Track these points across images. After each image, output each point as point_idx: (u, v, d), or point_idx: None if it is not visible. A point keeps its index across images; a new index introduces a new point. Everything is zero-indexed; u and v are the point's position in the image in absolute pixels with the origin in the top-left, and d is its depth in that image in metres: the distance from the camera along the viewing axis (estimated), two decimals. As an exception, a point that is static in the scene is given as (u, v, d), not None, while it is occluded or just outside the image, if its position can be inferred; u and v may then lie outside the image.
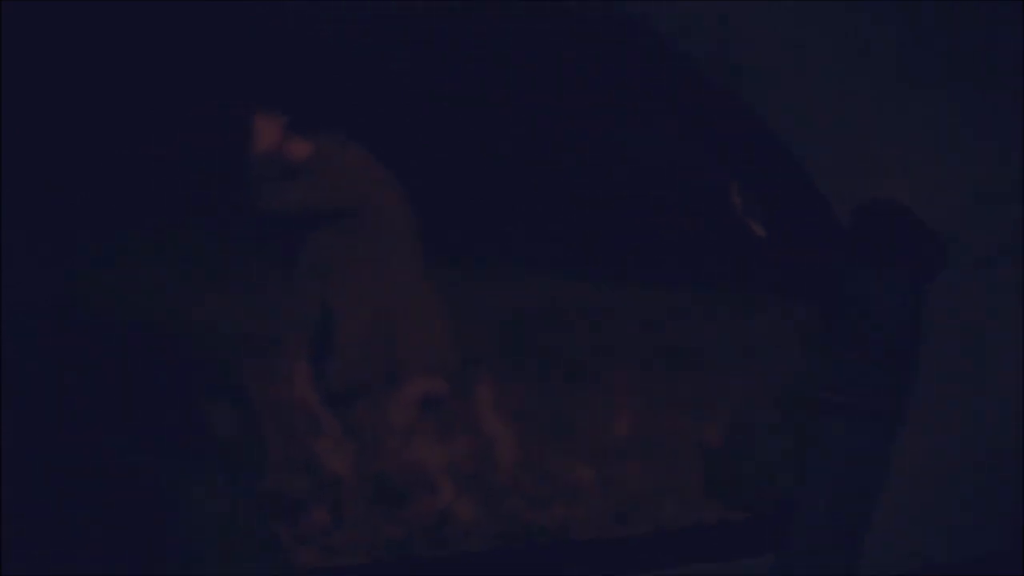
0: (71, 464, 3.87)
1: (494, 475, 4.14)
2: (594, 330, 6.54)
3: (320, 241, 3.77)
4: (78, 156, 9.43)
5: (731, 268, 7.52)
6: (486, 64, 9.43)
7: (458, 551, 4.25)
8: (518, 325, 6.53)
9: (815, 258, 6.20)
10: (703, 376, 5.75)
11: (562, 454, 4.81)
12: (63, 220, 8.33)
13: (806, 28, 2.94)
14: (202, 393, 3.65)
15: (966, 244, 2.67)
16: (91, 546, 3.41)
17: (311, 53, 9.84)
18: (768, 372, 5.79)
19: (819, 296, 5.83)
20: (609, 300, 7.12)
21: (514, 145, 9.16)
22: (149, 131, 9.26)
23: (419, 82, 9.34)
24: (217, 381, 3.60)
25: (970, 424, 2.95)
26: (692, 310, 6.88)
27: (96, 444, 3.95)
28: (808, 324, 6.02)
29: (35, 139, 10.11)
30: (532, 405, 5.37)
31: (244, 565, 3.50)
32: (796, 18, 2.83)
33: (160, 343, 3.86)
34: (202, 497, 3.50)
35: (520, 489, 4.58)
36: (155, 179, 8.97)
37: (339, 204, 3.72)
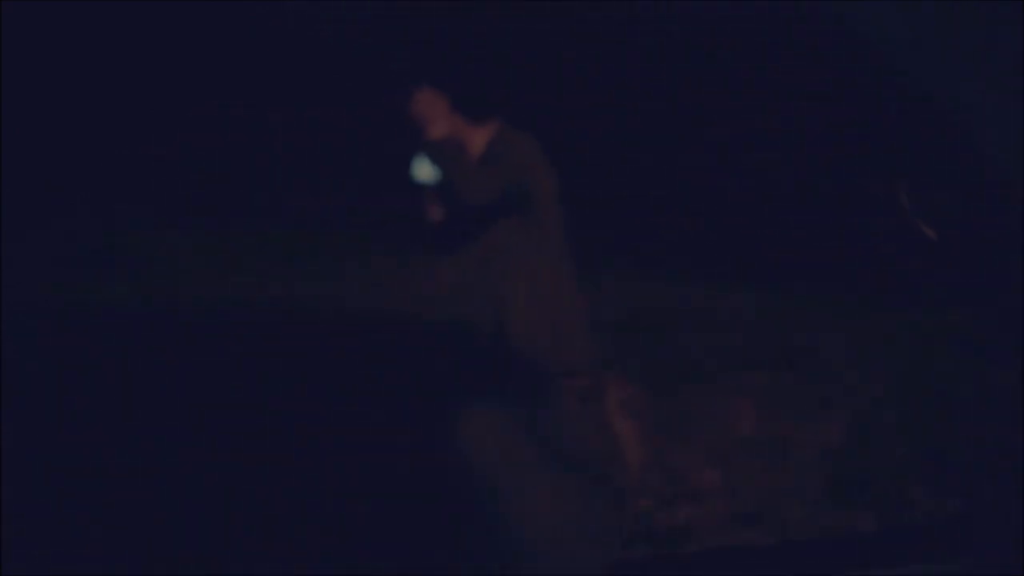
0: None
1: (622, 475, 4.09)
2: (713, 332, 6.48)
3: (496, 232, 3.72)
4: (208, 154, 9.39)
5: (854, 269, 7.51)
6: (655, 59, 9.42)
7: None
8: (638, 327, 6.48)
9: (1003, 259, 6.18)
10: (824, 377, 5.68)
11: (687, 455, 4.76)
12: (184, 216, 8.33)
13: (989, 26, 2.89)
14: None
15: None
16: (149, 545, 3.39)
17: (477, 38, 9.73)
18: (890, 373, 5.73)
19: (1007, 298, 5.82)
20: (727, 302, 7.06)
21: (650, 146, 9.14)
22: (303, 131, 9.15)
23: (580, 75, 9.32)
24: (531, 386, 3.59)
25: None
26: (810, 311, 6.81)
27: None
28: (968, 326, 6.01)
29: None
30: (655, 406, 5.30)
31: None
32: (983, 18, 2.77)
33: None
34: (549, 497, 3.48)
35: (648, 490, 4.51)
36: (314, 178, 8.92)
37: (520, 193, 3.67)
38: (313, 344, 5.35)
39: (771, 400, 5.17)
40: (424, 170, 3.71)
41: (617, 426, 3.99)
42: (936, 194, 7.83)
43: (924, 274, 7.28)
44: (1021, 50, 6.96)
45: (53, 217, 8.43)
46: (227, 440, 4.30)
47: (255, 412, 4.51)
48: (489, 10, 9.85)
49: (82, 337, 5.55)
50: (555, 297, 3.70)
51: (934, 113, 8.46)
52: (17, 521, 3.52)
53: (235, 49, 10.04)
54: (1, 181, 8.59)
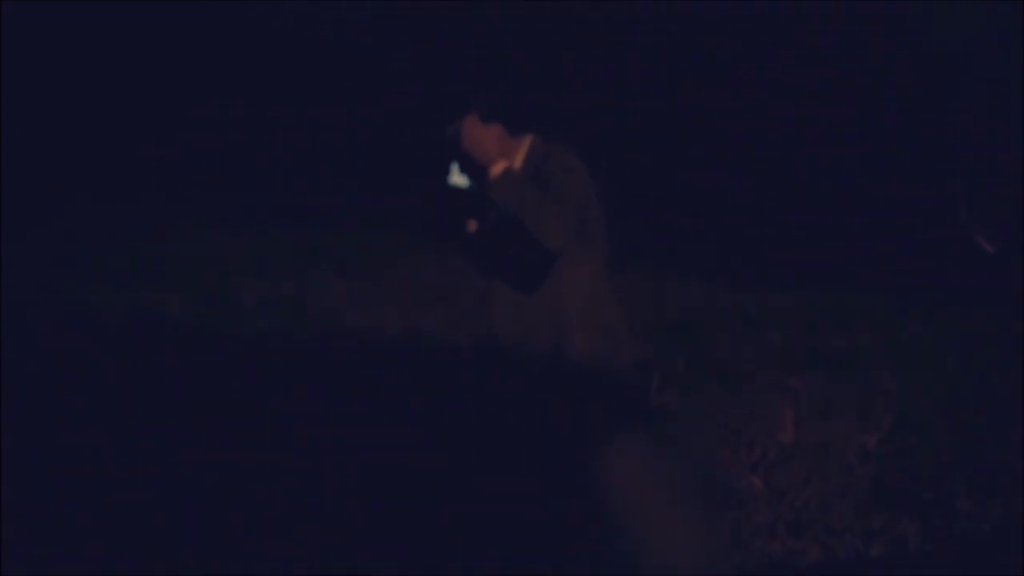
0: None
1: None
2: (752, 334, 6.48)
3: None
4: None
5: (894, 272, 7.54)
6: (688, 64, 9.44)
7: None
8: (681, 330, 6.47)
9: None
10: (864, 380, 5.66)
11: (729, 459, 4.74)
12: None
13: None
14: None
15: None
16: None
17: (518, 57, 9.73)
18: (931, 376, 5.73)
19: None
20: (762, 305, 7.06)
21: (686, 149, 9.17)
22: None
23: (608, 82, 9.36)
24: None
25: None
26: (850, 315, 6.81)
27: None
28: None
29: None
30: (696, 408, 5.30)
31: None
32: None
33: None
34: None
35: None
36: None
37: (581, 218, 3.67)
38: (318, 347, 5.37)
39: (809, 402, 5.17)
40: (460, 177, 3.66)
41: None
42: (996, 206, 7.87)
43: (967, 278, 7.29)
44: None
45: (53, 217, 8.45)
46: (228, 440, 4.31)
47: (258, 413, 4.52)
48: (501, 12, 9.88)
49: (82, 337, 5.55)
50: (605, 308, 3.70)
51: (1000, 121, 8.51)
52: (17, 521, 3.52)
53: (235, 49, 10.06)
54: (1, 181, 8.60)
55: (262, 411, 4.49)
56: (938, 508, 4.29)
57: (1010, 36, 7.97)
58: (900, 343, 6.23)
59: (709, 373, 5.74)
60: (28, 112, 9.28)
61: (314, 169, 9.23)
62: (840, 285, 7.26)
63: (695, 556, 3.45)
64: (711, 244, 8.20)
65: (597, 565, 3.30)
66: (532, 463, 3.29)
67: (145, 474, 3.94)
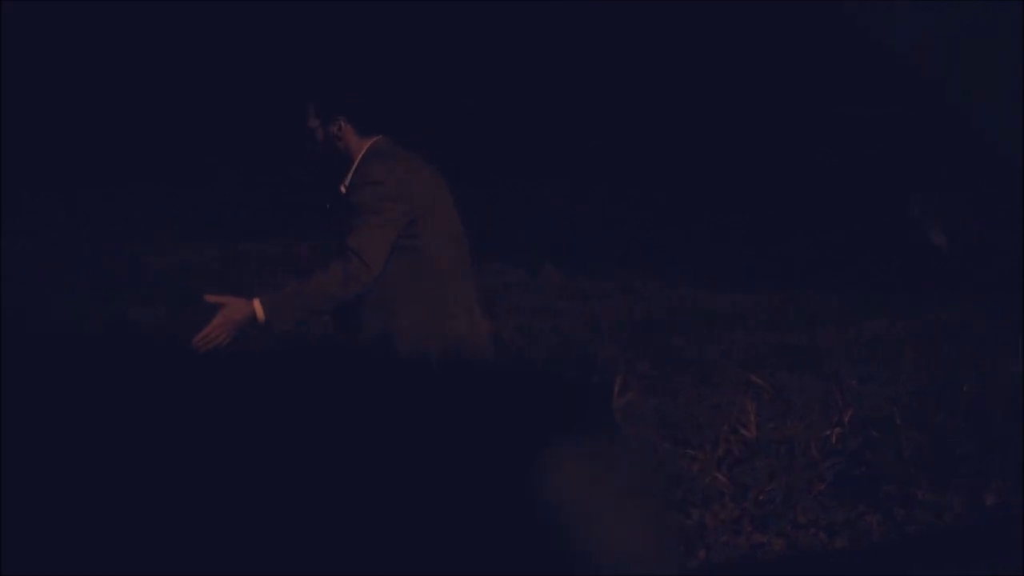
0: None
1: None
2: (716, 334, 6.46)
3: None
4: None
5: (856, 270, 7.54)
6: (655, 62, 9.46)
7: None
8: (646, 330, 6.47)
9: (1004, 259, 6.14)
10: (827, 377, 5.67)
11: (693, 457, 4.74)
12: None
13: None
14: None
15: None
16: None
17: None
18: (893, 372, 5.74)
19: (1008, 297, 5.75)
20: (732, 304, 7.05)
21: (651, 153, 9.19)
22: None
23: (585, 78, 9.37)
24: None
25: None
26: (815, 313, 6.80)
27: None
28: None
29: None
30: (662, 408, 5.30)
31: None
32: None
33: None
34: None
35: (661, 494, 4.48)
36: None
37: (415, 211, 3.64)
38: (301, 351, 5.37)
39: (774, 399, 5.17)
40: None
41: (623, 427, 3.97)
42: (948, 203, 7.86)
43: (927, 274, 7.29)
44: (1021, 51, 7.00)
45: (52, 217, 8.45)
46: (227, 440, 4.32)
47: (258, 417, 4.53)
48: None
49: (81, 337, 5.55)
50: (448, 314, 3.66)
51: (948, 119, 8.49)
52: (17, 521, 3.51)
53: (235, 49, 10.06)
54: (1, 181, 8.60)
55: (260, 410, 4.49)
56: (900, 501, 4.29)
57: (1010, 36, 7.98)
58: (861, 340, 6.22)
59: (673, 372, 5.73)
60: (29, 113, 9.27)
61: (304, 174, 9.23)
62: (801, 284, 7.24)
63: (649, 556, 3.44)
64: (675, 245, 8.20)
65: (554, 567, 3.28)
66: (489, 466, 3.28)
67: (144, 474, 3.93)
